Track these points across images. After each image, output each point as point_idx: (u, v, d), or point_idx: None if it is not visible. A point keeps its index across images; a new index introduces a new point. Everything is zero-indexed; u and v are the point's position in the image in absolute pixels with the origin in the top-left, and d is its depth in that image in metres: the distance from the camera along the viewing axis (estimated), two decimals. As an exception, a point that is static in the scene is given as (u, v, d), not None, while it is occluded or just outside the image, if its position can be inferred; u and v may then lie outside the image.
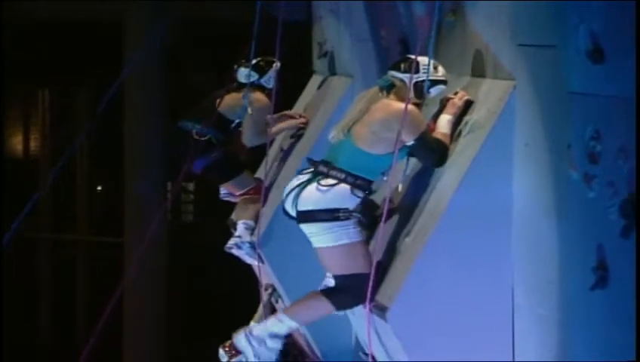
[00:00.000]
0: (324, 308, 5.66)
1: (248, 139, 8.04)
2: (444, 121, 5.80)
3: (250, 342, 5.68)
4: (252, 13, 7.00)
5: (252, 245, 7.97)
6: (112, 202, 17.52)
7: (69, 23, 15.68)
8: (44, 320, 18.55)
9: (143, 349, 14.54)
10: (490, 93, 5.72)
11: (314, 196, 5.63)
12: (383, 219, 5.51)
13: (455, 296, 5.46)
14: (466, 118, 5.80)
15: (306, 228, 5.68)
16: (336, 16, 8.52)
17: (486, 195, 5.51)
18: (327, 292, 5.68)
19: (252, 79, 8.00)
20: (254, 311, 8.17)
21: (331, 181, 5.62)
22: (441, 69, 5.84)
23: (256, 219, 8.04)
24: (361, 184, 5.63)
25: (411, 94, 5.70)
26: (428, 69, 5.77)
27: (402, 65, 5.81)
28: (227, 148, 8.16)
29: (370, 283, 5.44)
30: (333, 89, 8.36)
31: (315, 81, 8.92)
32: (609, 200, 4.75)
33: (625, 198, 4.66)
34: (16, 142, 19.23)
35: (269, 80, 8.09)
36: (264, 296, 8.03)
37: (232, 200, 8.41)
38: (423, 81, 5.75)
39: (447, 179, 5.65)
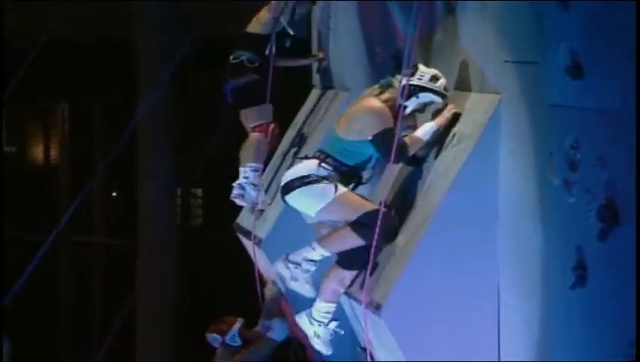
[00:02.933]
0: (352, 239, 5.70)
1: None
2: (427, 128, 5.81)
3: (287, 266, 5.82)
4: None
5: (256, 186, 7.87)
6: (126, 207, 17.51)
7: (86, 42, 15.70)
8: (64, 316, 18.54)
9: (153, 348, 14.50)
10: (477, 106, 5.72)
11: (290, 171, 5.92)
12: (379, 223, 5.54)
13: (446, 294, 5.46)
14: (455, 130, 5.80)
15: (291, 202, 5.85)
16: (334, 33, 8.51)
17: (474, 200, 5.51)
18: (355, 227, 5.70)
19: None
20: (259, 312, 8.13)
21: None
22: (441, 82, 5.82)
23: (263, 161, 7.93)
24: (330, 161, 5.77)
25: (400, 96, 5.71)
26: (423, 76, 5.78)
27: (407, 70, 5.86)
28: (258, 74, 7.90)
29: (366, 277, 5.50)
30: (331, 102, 8.35)
31: (314, 94, 8.91)
32: (587, 205, 4.74)
33: (602, 203, 4.66)
34: (38, 152, 19.24)
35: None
36: (268, 291, 8.00)
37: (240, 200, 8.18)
38: (416, 86, 5.76)
39: (439, 184, 5.66)
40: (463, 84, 5.97)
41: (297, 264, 5.81)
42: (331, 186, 5.71)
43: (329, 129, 5.98)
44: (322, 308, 5.83)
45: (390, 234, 5.71)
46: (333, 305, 5.85)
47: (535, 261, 5.17)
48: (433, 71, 5.85)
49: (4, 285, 10.17)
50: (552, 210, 5.06)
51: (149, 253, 14.40)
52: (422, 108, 5.88)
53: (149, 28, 13.64)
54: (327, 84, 8.62)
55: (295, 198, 5.83)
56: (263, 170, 8.16)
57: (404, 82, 5.78)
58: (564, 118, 4.95)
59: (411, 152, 5.78)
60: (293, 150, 8.30)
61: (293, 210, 6.02)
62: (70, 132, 18.81)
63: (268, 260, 7.65)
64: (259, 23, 8.02)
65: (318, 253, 5.78)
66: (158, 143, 13.88)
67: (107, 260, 18.35)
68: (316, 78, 8.99)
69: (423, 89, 5.78)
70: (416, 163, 5.96)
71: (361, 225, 5.68)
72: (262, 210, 8.07)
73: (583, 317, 4.83)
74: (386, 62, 7.24)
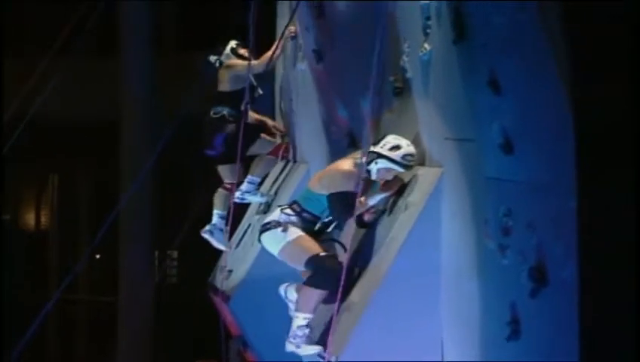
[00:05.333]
0: (313, 292, 5.68)
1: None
2: (375, 195, 5.80)
3: (291, 342, 5.77)
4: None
5: (221, 231, 8.01)
6: (108, 267, 17.35)
7: (77, 121, 15.67)
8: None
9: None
10: (422, 178, 5.73)
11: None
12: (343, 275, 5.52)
13: (394, 346, 5.42)
14: (403, 198, 5.80)
15: (264, 244, 5.93)
16: (295, 114, 8.54)
17: (419, 262, 5.50)
18: (309, 282, 5.71)
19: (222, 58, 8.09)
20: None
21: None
22: (400, 152, 5.69)
23: (227, 210, 7.97)
24: (295, 208, 5.84)
25: (365, 160, 5.73)
26: (385, 145, 5.71)
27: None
28: (239, 121, 7.94)
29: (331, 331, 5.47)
30: (293, 173, 8.35)
31: (278, 166, 8.91)
32: (520, 266, 4.74)
33: (532, 265, 4.65)
34: (30, 218, 19.07)
35: (228, 56, 8.13)
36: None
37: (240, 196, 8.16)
38: (375, 153, 5.72)
39: (388, 247, 5.64)
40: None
41: (295, 335, 5.76)
42: (282, 232, 5.77)
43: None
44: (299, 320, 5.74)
45: (335, 277, 5.54)
46: (309, 316, 5.74)
47: (474, 316, 5.15)
48: (399, 141, 5.73)
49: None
50: (489, 271, 5.06)
51: (129, 309, 14.29)
52: (389, 174, 5.78)
53: (135, 109, 13.65)
54: (291, 158, 8.62)
55: (263, 242, 5.94)
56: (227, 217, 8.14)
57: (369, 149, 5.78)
58: (498, 189, 4.96)
59: (356, 213, 5.74)
60: (257, 217, 8.27)
61: (259, 269, 6.04)
62: (59, 201, 18.69)
63: (236, 316, 7.59)
64: (225, 82, 8.06)
65: (301, 317, 5.73)
66: (137, 212, 13.83)
67: (91, 316, 18.15)
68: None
69: (381, 156, 5.74)
70: (365, 226, 5.93)
71: (310, 277, 5.67)
72: (230, 271, 8.04)
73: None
74: (341, 138, 7.26)
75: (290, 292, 5.96)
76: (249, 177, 8.19)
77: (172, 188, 15.78)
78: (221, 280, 8.07)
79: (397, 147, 5.72)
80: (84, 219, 17.73)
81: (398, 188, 5.81)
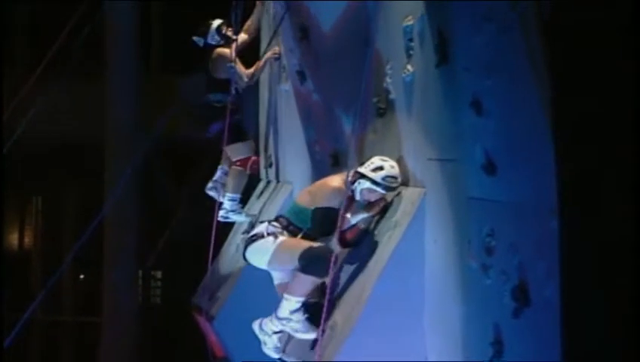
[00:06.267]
0: (307, 280, 5.62)
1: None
2: (358, 213, 5.78)
3: (282, 324, 5.72)
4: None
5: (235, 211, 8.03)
6: (92, 287, 17.28)
7: (59, 143, 15.64)
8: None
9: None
10: (405, 198, 5.73)
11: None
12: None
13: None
14: (386, 218, 5.80)
15: (249, 259, 5.87)
16: (279, 134, 8.54)
17: (403, 282, 5.48)
18: (302, 269, 5.62)
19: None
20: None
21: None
22: (382, 173, 5.69)
23: (240, 191, 8.01)
24: (281, 221, 5.80)
25: (349, 179, 5.72)
26: (369, 166, 5.72)
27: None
28: (238, 116, 7.96)
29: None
30: (277, 193, 8.35)
31: (261, 186, 8.91)
32: (502, 286, 4.74)
33: (515, 285, 4.65)
34: (13, 239, 18.98)
35: (213, 37, 8.06)
36: None
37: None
38: (358, 173, 5.73)
39: (372, 268, 5.63)
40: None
41: (288, 318, 5.70)
42: (270, 238, 5.71)
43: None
44: (289, 304, 5.69)
45: (328, 264, 5.54)
46: (302, 299, 5.69)
47: (457, 337, 5.14)
48: (383, 163, 5.73)
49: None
50: (472, 291, 5.05)
51: (113, 329, 14.22)
52: (372, 195, 5.77)
53: (120, 131, 13.65)
54: (275, 178, 8.62)
55: (249, 256, 5.86)
56: (244, 199, 8.13)
57: (356, 169, 5.78)
58: (481, 209, 4.96)
59: (338, 229, 5.72)
60: (242, 236, 8.25)
61: (244, 289, 6.00)
62: (43, 222, 18.64)
63: (220, 335, 7.56)
64: (220, 70, 8.04)
65: (293, 301, 5.68)
66: (121, 233, 13.81)
67: (75, 336, 18.05)
68: (264, 173, 8.99)
69: (363, 176, 5.73)
70: (349, 245, 5.92)
71: (304, 266, 5.61)
72: (215, 290, 8.02)
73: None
74: (325, 159, 7.26)
75: (266, 325, 5.85)
76: (228, 195, 8.15)
77: (156, 208, 15.76)
78: (205, 299, 8.03)
79: (380, 168, 5.72)
80: (68, 241, 17.66)
81: (382, 208, 5.80)
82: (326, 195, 5.77)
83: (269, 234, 5.76)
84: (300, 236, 5.77)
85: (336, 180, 5.84)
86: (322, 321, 5.51)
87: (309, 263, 5.59)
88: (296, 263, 5.65)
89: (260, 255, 5.80)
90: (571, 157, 4.27)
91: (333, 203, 5.71)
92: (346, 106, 6.68)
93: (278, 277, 5.92)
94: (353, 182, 5.73)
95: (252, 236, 5.86)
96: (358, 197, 5.76)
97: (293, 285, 5.68)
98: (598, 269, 4.26)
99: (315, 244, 5.67)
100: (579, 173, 4.29)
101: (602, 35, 4.23)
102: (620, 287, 4.23)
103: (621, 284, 4.22)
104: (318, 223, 5.75)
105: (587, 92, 4.27)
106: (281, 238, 5.73)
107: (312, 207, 5.78)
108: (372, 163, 5.75)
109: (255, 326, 5.92)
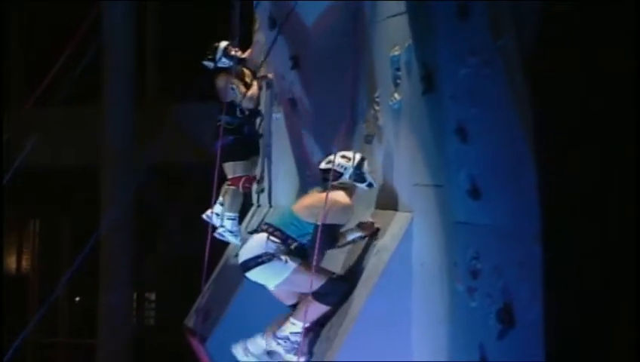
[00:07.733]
0: (319, 308, 5.62)
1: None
2: (353, 232, 5.84)
3: (277, 342, 5.68)
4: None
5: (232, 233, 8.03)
6: (87, 309, 17.26)
7: (56, 168, 15.66)
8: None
9: None
10: (393, 222, 5.76)
11: (244, 249, 5.78)
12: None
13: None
14: (375, 242, 5.83)
15: (252, 278, 5.72)
16: (271, 160, 8.57)
17: (390, 304, 5.50)
18: (318, 298, 5.61)
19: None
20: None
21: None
22: (366, 166, 5.83)
23: (238, 210, 8.01)
24: (278, 235, 5.67)
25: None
26: (352, 158, 5.83)
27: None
28: (238, 135, 7.97)
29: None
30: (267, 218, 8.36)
31: (252, 210, 8.92)
32: (488, 308, 4.77)
33: (500, 307, 4.69)
34: (11, 262, 18.97)
35: (221, 59, 8.08)
36: None
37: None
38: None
39: (360, 290, 5.67)
40: (381, 204, 6.02)
41: (286, 338, 5.70)
42: (282, 263, 5.60)
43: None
44: (293, 328, 5.68)
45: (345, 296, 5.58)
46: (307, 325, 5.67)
47: (444, 357, 5.16)
48: (356, 155, 5.88)
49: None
50: (458, 312, 5.09)
51: (108, 351, 14.21)
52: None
53: (115, 156, 13.68)
54: (268, 202, 8.64)
55: (254, 275, 5.72)
56: (240, 217, 8.15)
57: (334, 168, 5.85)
58: (466, 233, 5.00)
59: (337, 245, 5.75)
60: (234, 260, 8.27)
61: (236, 310, 5.96)
62: (40, 245, 18.63)
63: (213, 357, 7.56)
64: (226, 92, 8.10)
65: (299, 325, 5.69)
66: (116, 256, 13.82)
67: (70, 358, 17.99)
68: (255, 197, 9.01)
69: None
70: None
71: (323, 295, 5.61)
72: (208, 312, 8.02)
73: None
74: (316, 183, 7.29)
75: (253, 345, 5.83)
76: (227, 214, 8.15)
77: (150, 231, 15.78)
78: (198, 323, 8.03)
79: (360, 163, 5.85)
80: (65, 265, 17.65)
81: (373, 230, 5.85)
82: (338, 213, 5.69)
83: (274, 254, 5.62)
84: (292, 246, 5.70)
85: (340, 195, 5.75)
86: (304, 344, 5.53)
87: (329, 294, 5.61)
88: (308, 288, 5.60)
89: (271, 277, 5.69)
90: (552, 181, 4.33)
91: (342, 220, 5.70)
92: (336, 132, 6.74)
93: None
94: (339, 176, 5.77)
95: (257, 257, 5.67)
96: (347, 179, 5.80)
97: (304, 312, 5.64)
98: (582, 292, 4.32)
99: (334, 275, 5.65)
100: (560, 198, 4.35)
101: (583, 65, 4.31)
102: (604, 308, 4.29)
103: (604, 305, 4.28)
104: (324, 241, 5.66)
105: (568, 119, 4.34)
106: (295, 262, 5.63)
107: (313, 222, 5.69)
108: (350, 157, 5.84)
109: (237, 350, 5.86)
